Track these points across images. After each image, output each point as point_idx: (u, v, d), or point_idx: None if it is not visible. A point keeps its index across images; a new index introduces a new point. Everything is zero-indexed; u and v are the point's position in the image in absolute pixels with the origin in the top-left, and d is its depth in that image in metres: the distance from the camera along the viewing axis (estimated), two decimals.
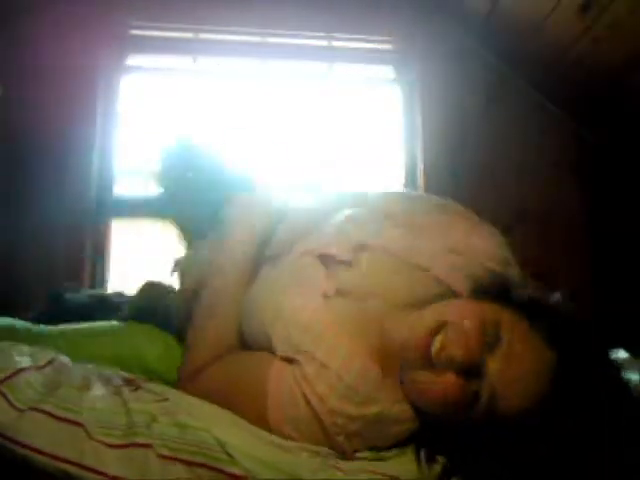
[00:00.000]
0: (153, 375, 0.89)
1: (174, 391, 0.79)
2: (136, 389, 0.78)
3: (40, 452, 0.63)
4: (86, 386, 0.74)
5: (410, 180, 2.03)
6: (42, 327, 0.99)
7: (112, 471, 0.63)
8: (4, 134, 1.78)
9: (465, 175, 1.94)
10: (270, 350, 0.79)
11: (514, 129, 2.01)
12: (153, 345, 0.95)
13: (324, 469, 0.67)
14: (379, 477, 0.68)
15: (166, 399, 0.74)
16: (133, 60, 2.00)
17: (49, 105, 1.81)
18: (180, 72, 2.03)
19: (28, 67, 1.82)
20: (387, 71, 2.12)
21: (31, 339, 0.88)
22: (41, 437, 0.64)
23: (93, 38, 1.87)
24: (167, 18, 1.94)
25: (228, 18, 1.96)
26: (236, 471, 0.64)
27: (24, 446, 0.63)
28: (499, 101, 2.01)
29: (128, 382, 0.80)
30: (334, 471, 0.67)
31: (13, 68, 1.82)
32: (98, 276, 1.84)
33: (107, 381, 0.79)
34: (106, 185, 1.90)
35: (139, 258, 1.89)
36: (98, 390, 0.74)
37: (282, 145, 2.02)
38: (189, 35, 1.99)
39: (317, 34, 2.03)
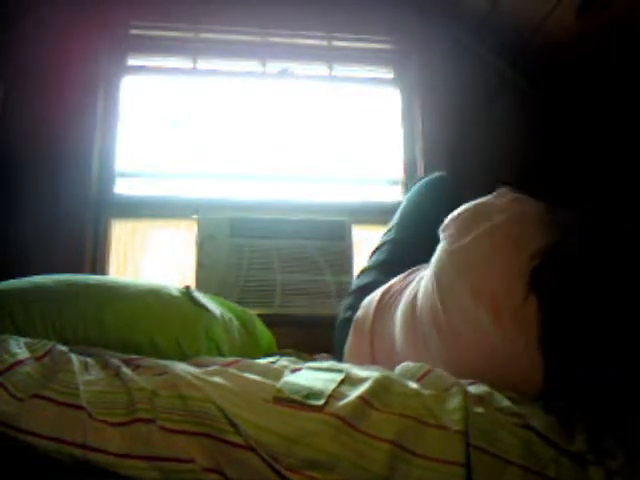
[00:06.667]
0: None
1: (172, 363, 0.78)
2: (135, 368, 0.77)
3: (44, 437, 0.62)
4: (85, 370, 0.74)
5: (410, 180, 2.03)
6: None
7: (117, 449, 0.62)
8: (4, 134, 1.78)
9: (465, 175, 1.94)
10: None
11: (514, 128, 2.01)
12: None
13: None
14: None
15: (165, 372, 0.73)
16: (133, 60, 2.00)
17: (49, 105, 1.81)
18: (180, 72, 2.04)
19: (28, 67, 1.82)
20: (387, 71, 2.13)
21: None
22: (44, 423, 0.63)
23: (93, 38, 1.88)
24: (167, 18, 1.95)
25: (228, 18, 1.96)
26: (240, 441, 0.63)
27: (27, 433, 0.62)
28: (499, 100, 2.01)
29: (126, 362, 0.79)
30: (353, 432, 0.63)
31: (13, 68, 1.82)
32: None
33: (105, 363, 0.78)
34: (106, 185, 1.90)
35: (139, 258, 1.89)
36: (97, 373, 0.74)
37: (281, 144, 2.03)
38: (189, 35, 2.00)
39: (317, 34, 2.04)
